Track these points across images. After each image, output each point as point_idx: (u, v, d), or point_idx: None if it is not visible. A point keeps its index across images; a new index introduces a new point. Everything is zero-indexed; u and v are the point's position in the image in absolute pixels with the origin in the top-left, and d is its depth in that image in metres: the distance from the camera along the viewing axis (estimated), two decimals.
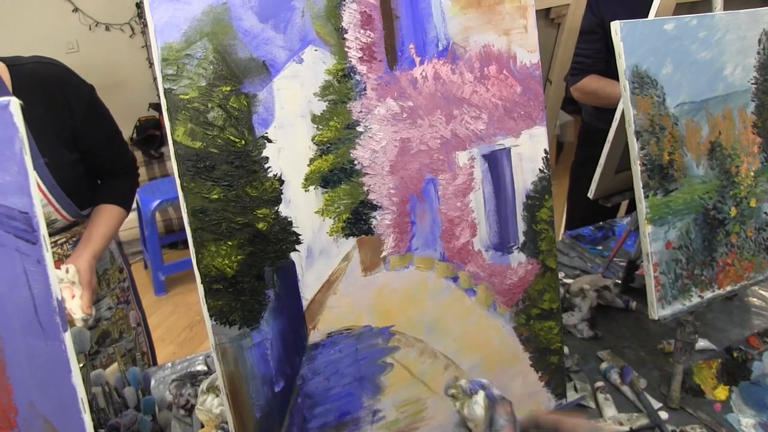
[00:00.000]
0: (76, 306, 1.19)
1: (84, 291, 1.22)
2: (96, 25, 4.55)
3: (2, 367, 0.54)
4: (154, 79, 4.89)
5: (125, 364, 1.59)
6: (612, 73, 1.97)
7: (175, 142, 0.77)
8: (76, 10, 4.44)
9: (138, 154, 4.68)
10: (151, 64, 4.85)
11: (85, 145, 1.37)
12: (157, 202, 3.60)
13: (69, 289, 1.21)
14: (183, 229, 4.17)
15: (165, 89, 0.76)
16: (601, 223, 2.11)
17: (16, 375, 0.55)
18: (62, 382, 0.54)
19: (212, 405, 1.18)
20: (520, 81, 1.02)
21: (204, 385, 1.21)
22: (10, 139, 0.50)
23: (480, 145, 1.00)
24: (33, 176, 0.52)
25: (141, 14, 4.73)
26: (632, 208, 2.25)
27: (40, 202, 0.52)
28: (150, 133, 4.61)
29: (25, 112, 0.52)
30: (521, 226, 1.05)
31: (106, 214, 1.44)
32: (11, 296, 0.53)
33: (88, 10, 4.49)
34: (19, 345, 0.54)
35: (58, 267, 1.23)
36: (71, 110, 1.32)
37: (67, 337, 0.54)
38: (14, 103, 0.50)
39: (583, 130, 2.33)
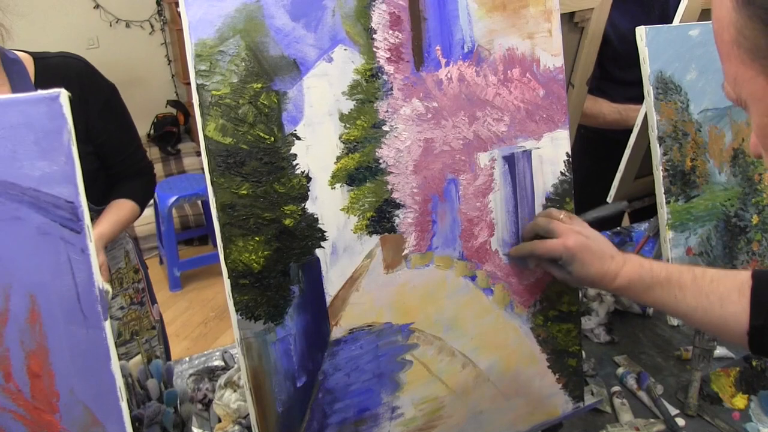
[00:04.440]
0: None
1: None
2: (116, 22, 4.61)
3: (45, 353, 0.56)
4: (173, 76, 4.94)
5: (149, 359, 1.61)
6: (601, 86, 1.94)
7: (206, 137, 0.78)
8: (97, 6, 4.50)
9: (155, 151, 4.72)
10: (170, 61, 4.89)
11: (98, 139, 1.40)
12: (173, 199, 3.63)
13: None
14: (199, 226, 4.22)
15: (197, 85, 0.77)
16: (618, 228, 2.11)
17: (58, 361, 0.57)
18: (102, 369, 0.56)
19: (230, 400, 1.19)
20: (543, 84, 1.02)
21: (222, 380, 1.23)
22: (58, 130, 0.52)
23: (501, 146, 1.00)
24: (79, 167, 0.53)
25: (161, 11, 4.78)
26: (638, 218, 2.23)
27: (84, 193, 0.53)
28: (167, 130, 4.65)
29: None
30: None
31: (118, 205, 1.47)
32: (55, 284, 0.55)
33: (109, 6, 4.55)
34: (62, 332, 0.56)
35: None
36: (86, 102, 1.35)
37: (108, 325, 0.55)
38: (63, 95, 0.52)
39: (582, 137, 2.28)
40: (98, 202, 1.45)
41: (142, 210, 1.54)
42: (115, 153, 1.46)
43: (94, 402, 0.57)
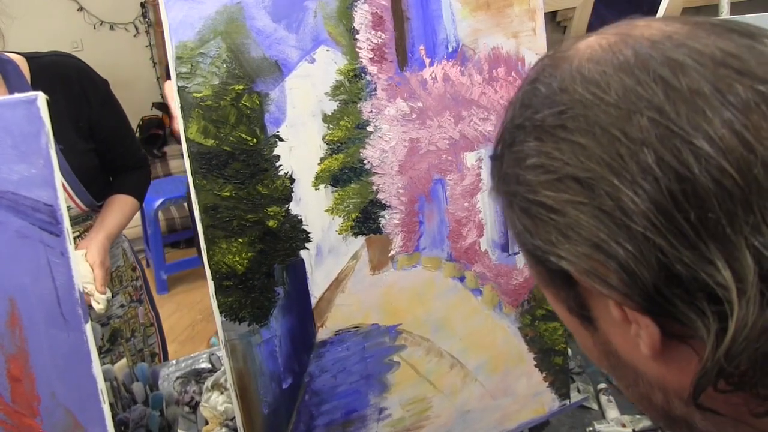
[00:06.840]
0: (90, 287, 1.21)
1: (97, 270, 1.25)
2: (101, 25, 4.57)
3: (26, 356, 0.55)
4: (158, 78, 4.90)
5: (135, 363, 1.60)
6: None
7: (188, 139, 0.78)
8: (81, 9, 4.45)
9: None
10: (155, 64, 4.86)
11: (100, 135, 1.42)
12: (159, 201, 3.61)
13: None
14: (185, 229, 4.18)
15: (179, 87, 0.77)
16: None
17: (39, 365, 0.56)
18: (83, 372, 0.55)
19: (217, 402, 1.19)
20: None
21: (209, 383, 1.22)
22: (36, 133, 0.51)
23: (488, 146, 1.01)
24: (58, 170, 0.53)
25: (145, 14, 4.75)
26: None
27: (64, 196, 0.53)
28: (153, 133, 4.62)
29: None
30: None
31: (119, 202, 1.47)
32: (35, 288, 0.54)
33: (93, 9, 4.51)
34: (42, 335, 0.55)
35: None
36: (88, 100, 1.36)
37: (88, 328, 0.55)
38: (41, 98, 0.52)
39: None
40: (99, 198, 1.45)
41: (141, 204, 1.56)
42: (116, 146, 1.48)
43: (76, 405, 0.57)
